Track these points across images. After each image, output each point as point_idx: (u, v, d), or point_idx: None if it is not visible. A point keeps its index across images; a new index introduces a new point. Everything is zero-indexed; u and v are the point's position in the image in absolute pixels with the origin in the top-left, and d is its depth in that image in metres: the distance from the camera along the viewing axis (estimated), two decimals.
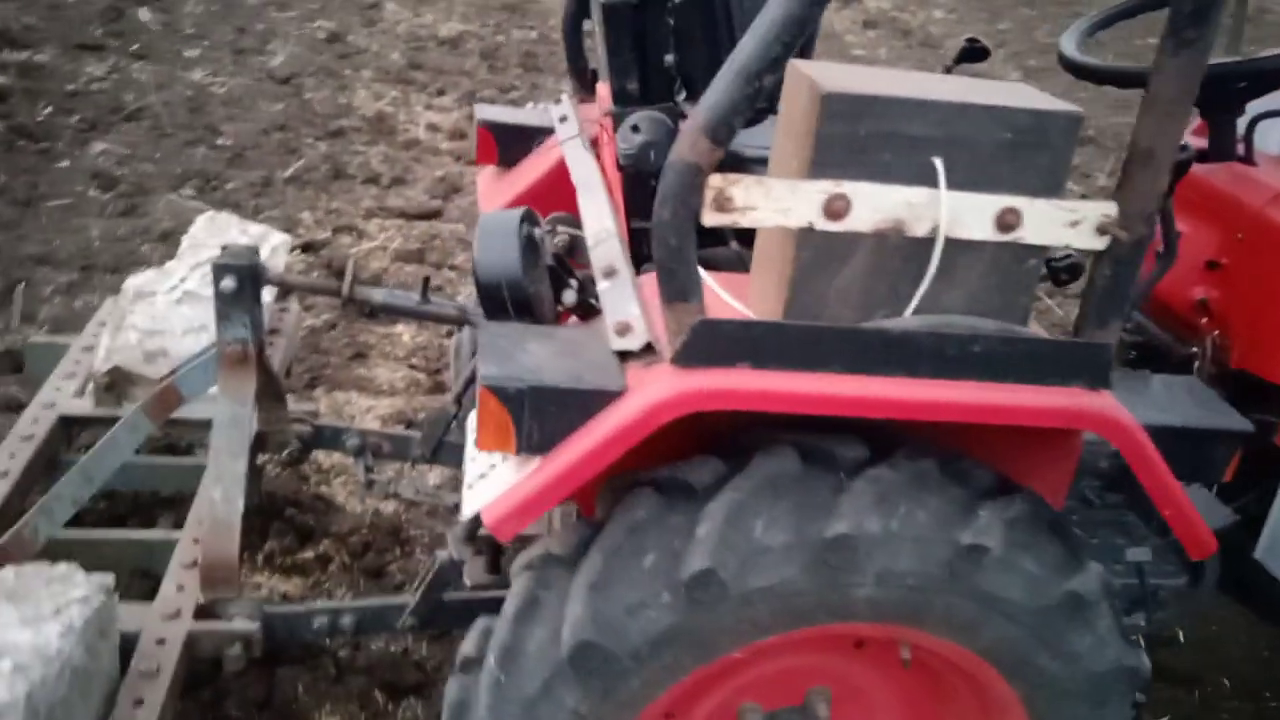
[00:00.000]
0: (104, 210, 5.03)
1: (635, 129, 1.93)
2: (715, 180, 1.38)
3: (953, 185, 1.43)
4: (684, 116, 2.04)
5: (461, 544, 2.15)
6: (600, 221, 1.96)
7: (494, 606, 2.29)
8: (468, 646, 1.75)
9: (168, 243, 4.78)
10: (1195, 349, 2.28)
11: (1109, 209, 1.47)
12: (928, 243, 1.47)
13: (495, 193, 2.74)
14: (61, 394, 2.72)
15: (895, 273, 1.50)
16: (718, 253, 2.29)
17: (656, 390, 1.47)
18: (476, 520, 2.14)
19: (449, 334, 4.40)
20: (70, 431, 2.70)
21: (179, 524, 2.94)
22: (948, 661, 1.77)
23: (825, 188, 1.42)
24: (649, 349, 1.54)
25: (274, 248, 2.97)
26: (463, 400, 2.74)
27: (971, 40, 2.51)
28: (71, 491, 2.19)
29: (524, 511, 1.52)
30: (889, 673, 1.87)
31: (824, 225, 1.44)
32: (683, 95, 2.08)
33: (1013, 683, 1.73)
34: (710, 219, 1.41)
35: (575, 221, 2.54)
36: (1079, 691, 1.71)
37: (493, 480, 1.59)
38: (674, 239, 1.40)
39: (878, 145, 1.42)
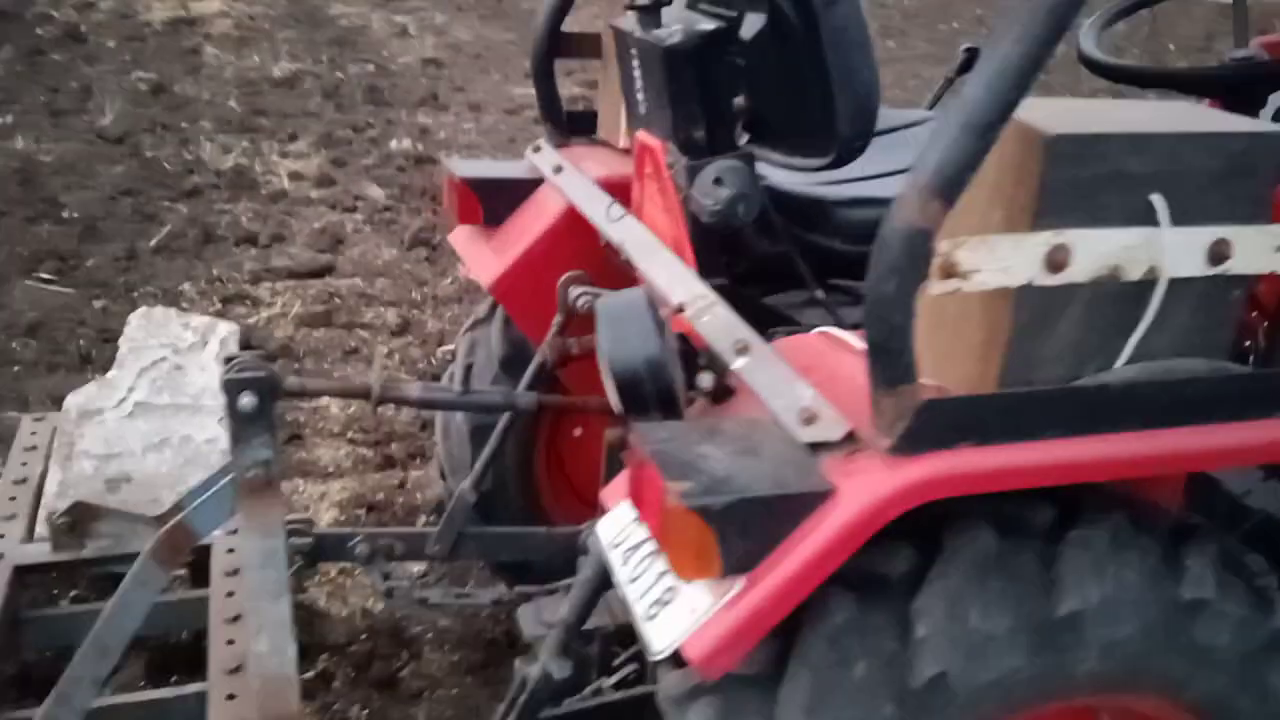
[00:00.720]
0: None
1: (719, 181, 1.75)
2: (943, 246, 1.22)
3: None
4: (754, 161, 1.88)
5: (558, 658, 1.92)
6: (689, 286, 1.77)
7: (624, 711, 2.10)
8: None
9: (39, 336, 4.26)
10: (1248, 343, 2.27)
11: None
12: (1139, 286, 1.35)
13: (490, 254, 2.50)
14: (6, 540, 2.31)
15: (1107, 322, 1.38)
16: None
17: (882, 485, 1.30)
18: (572, 631, 1.93)
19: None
20: (24, 580, 2.29)
21: (154, 669, 2.58)
22: (1137, 714, 1.67)
23: (1047, 239, 1.29)
24: (851, 438, 1.36)
25: (223, 340, 2.63)
26: (480, 485, 2.50)
27: (970, 50, 2.44)
28: (89, 672, 1.83)
29: (738, 642, 1.33)
30: None
31: (1044, 280, 1.30)
32: (745, 139, 1.90)
33: None
34: (937, 288, 1.25)
35: (591, 280, 2.34)
36: None
37: (683, 608, 1.37)
38: (899, 315, 1.24)
39: (1099, 187, 1.29)
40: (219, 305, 4.67)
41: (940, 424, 1.30)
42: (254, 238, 5.42)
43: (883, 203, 2.00)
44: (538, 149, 2.60)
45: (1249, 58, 2.12)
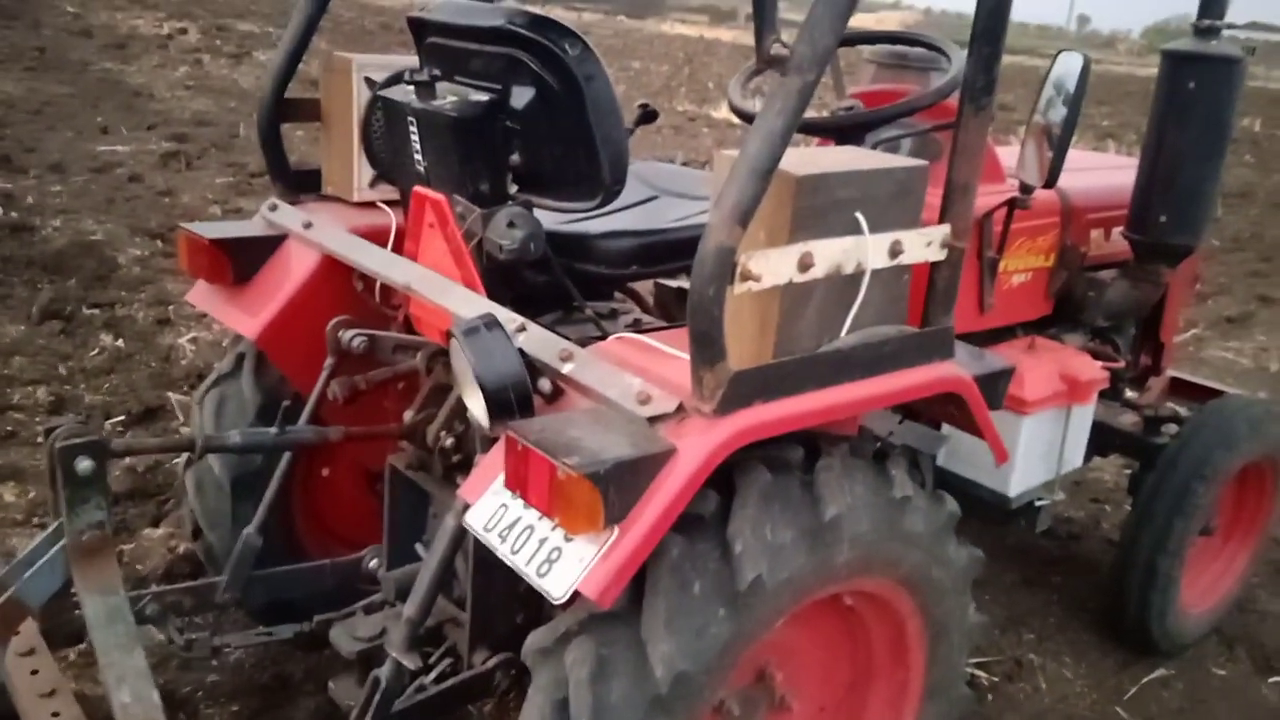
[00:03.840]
0: None
1: (512, 224, 2.11)
2: (741, 257, 1.69)
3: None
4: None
5: (408, 653, 2.16)
6: (494, 312, 2.10)
7: (450, 699, 2.34)
8: None
9: None
10: None
11: (945, 230, 2.04)
12: (852, 277, 1.92)
13: (246, 308, 2.64)
14: None
15: (834, 305, 1.92)
16: None
17: (711, 439, 1.74)
18: (417, 626, 2.18)
19: None
20: None
21: None
22: (866, 596, 2.24)
23: (800, 249, 1.80)
24: (680, 409, 1.79)
25: None
26: (268, 528, 2.62)
27: (644, 106, 2.99)
28: None
29: (622, 576, 1.70)
30: (810, 628, 2.28)
31: (798, 278, 1.82)
32: (515, 189, 2.28)
33: (914, 597, 2.25)
34: (739, 289, 1.72)
35: (358, 324, 2.59)
36: (955, 586, 2.28)
37: (573, 559, 1.72)
38: (715, 310, 1.69)
39: (826, 210, 1.83)
40: None
41: (744, 390, 1.77)
42: None
43: (629, 234, 2.49)
44: (274, 207, 2.77)
45: (852, 108, 2.83)
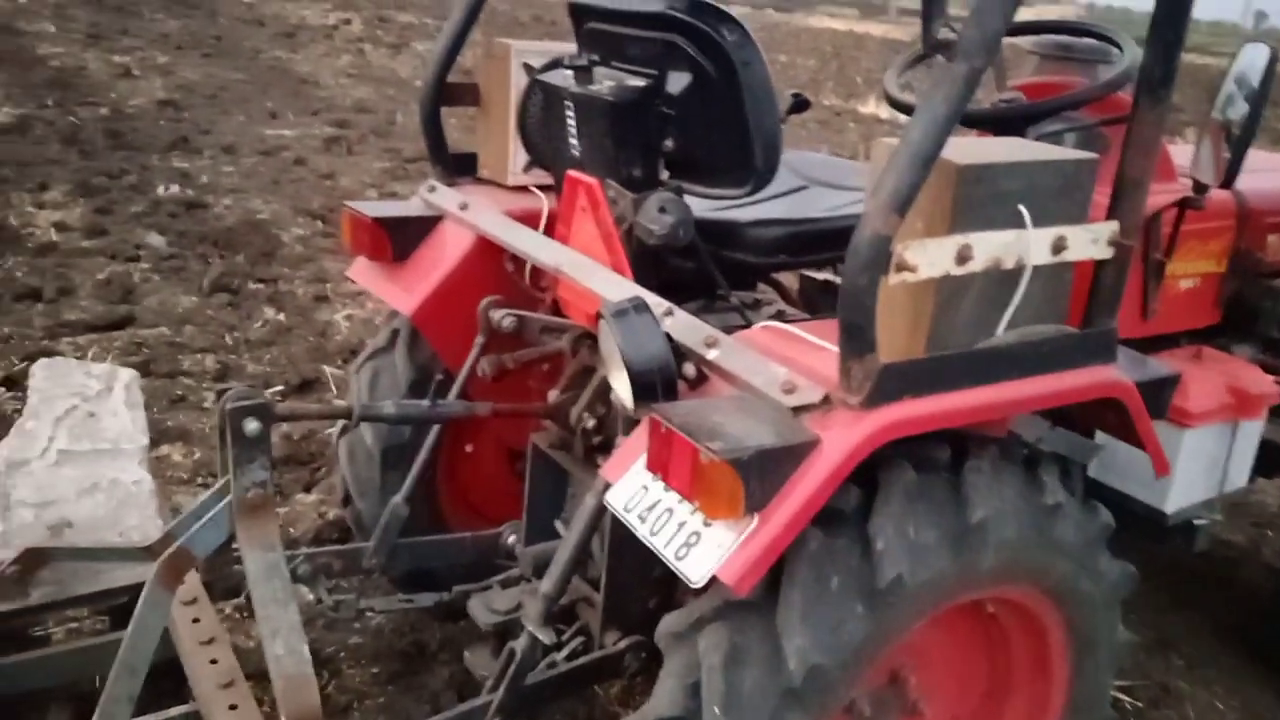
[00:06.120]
0: None
1: (663, 210, 2.12)
2: (897, 248, 1.66)
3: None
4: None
5: (543, 627, 2.20)
6: (643, 297, 2.12)
7: (580, 677, 2.37)
8: (663, 707, 1.86)
9: None
10: None
11: (1114, 226, 1.95)
12: (1011, 272, 1.85)
13: (404, 285, 2.73)
14: None
15: (991, 301, 1.87)
16: None
17: (857, 432, 1.71)
18: (554, 602, 2.22)
19: None
20: None
21: (79, 717, 2.58)
22: (1008, 604, 2.17)
23: (958, 241, 1.75)
24: (826, 400, 1.77)
25: (127, 385, 2.69)
26: (414, 498, 2.71)
27: (796, 94, 2.95)
28: (124, 690, 1.92)
29: (761, 564, 1.69)
30: (949, 632, 2.23)
31: (955, 271, 1.77)
32: (666, 174, 2.29)
33: (1061, 609, 2.16)
34: (894, 279, 1.68)
35: (508, 304, 2.64)
36: (1104, 601, 2.19)
37: (711, 544, 1.72)
38: (868, 300, 1.66)
39: (988, 201, 1.78)
40: (19, 364, 4.49)
41: (893, 383, 1.74)
42: (36, 293, 5.20)
43: (778, 223, 2.47)
44: (433, 189, 2.86)
45: (1014, 100, 2.73)
